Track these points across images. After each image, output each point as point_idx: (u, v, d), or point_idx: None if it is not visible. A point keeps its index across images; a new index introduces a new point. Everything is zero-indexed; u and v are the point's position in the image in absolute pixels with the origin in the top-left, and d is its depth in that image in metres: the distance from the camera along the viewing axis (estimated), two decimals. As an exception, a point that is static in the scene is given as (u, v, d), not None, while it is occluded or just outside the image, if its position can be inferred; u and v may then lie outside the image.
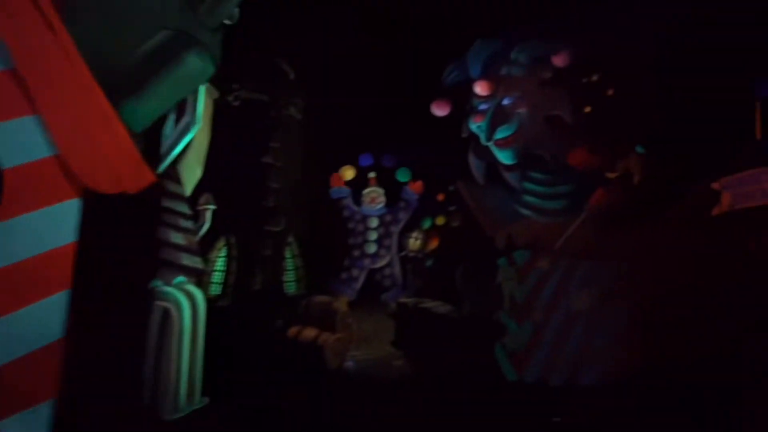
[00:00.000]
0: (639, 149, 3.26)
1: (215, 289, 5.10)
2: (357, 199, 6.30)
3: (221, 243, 5.47)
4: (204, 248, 3.57)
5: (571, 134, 3.76)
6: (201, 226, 3.73)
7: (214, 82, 3.25)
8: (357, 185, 6.26)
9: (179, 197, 3.29)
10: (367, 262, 6.10)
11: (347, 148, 6.54)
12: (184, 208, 3.35)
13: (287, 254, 5.92)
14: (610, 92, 3.76)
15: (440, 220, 5.97)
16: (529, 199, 4.00)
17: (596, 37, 3.41)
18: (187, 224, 3.33)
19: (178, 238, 3.16)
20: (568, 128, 3.77)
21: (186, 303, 3.02)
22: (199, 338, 3.06)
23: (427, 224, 5.97)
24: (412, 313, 4.64)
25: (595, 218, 3.43)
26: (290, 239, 5.92)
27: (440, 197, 6.01)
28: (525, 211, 4.02)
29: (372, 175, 6.29)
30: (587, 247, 3.42)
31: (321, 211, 6.32)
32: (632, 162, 3.29)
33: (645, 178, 3.18)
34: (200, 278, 3.48)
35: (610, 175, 3.36)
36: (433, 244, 5.85)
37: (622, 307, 3.19)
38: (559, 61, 3.57)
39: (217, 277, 5.23)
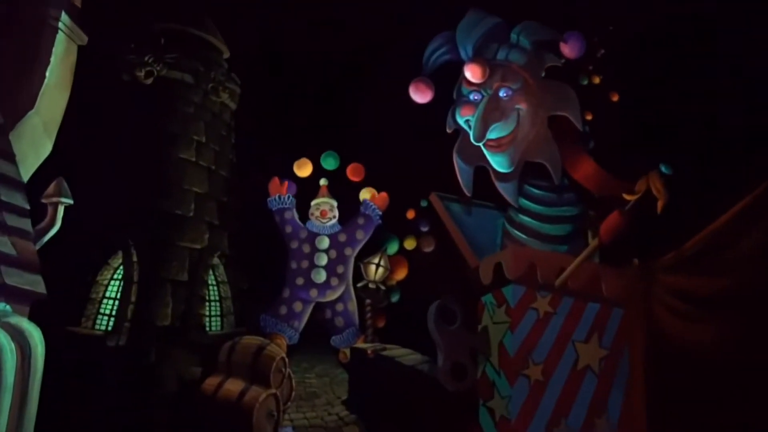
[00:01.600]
0: (664, 168, 3.09)
1: (103, 323, 4.57)
2: (303, 212, 5.90)
3: (116, 260, 4.93)
4: (49, 261, 2.82)
5: (581, 143, 3.66)
6: (46, 229, 2.98)
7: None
8: (304, 194, 5.83)
9: (10, 182, 2.68)
10: (313, 293, 5.56)
11: (294, 147, 6.34)
12: (17, 199, 2.74)
13: (209, 280, 5.68)
14: (615, 98, 3.70)
15: (409, 243, 5.76)
16: (524, 219, 3.75)
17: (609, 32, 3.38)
18: (20, 223, 2.69)
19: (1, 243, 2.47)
20: (577, 135, 3.63)
21: (8, 346, 2.24)
22: (30, 403, 2.34)
23: (392, 248, 5.75)
24: (371, 364, 4.21)
25: (607, 250, 3.23)
26: (213, 260, 5.69)
27: (410, 214, 5.81)
28: (519, 235, 3.80)
29: (323, 182, 5.92)
30: (595, 286, 3.20)
31: (255, 226, 6.13)
32: (655, 182, 3.05)
33: (670, 203, 2.98)
34: (40, 306, 2.70)
35: (628, 197, 3.10)
36: (400, 273, 5.63)
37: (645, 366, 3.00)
38: (568, 50, 3.40)
39: (107, 306, 4.74)
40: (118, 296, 4.78)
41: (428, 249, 5.44)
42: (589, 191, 3.65)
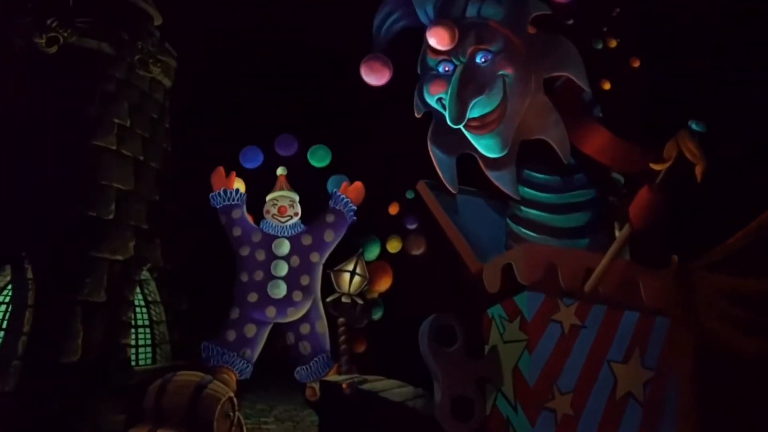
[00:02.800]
0: (694, 125, 2.89)
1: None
2: (257, 209, 5.45)
3: (4, 276, 4.65)
4: None
5: (587, 111, 3.53)
6: None
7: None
8: (256, 187, 5.45)
9: None
10: (271, 312, 5.06)
11: (244, 133, 6.04)
12: None
13: (135, 300, 5.33)
14: (636, 64, 3.72)
15: (393, 245, 5.41)
16: (530, 213, 3.61)
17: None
18: None
19: None
20: (582, 104, 3.49)
21: None
22: None
23: (371, 252, 5.42)
24: (347, 401, 3.96)
25: (641, 240, 3.06)
26: (142, 275, 5.39)
27: (392, 208, 5.48)
28: (526, 233, 3.62)
29: (281, 171, 5.50)
30: (632, 290, 3.01)
31: (197, 231, 5.89)
32: (687, 143, 2.87)
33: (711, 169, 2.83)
34: None
35: (656, 167, 2.92)
36: (382, 283, 5.29)
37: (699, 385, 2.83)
38: None
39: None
40: (4, 326, 4.40)
41: (417, 251, 5.06)
42: (605, 167, 3.51)
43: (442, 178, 3.73)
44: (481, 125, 3.46)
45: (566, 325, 3.10)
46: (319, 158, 5.49)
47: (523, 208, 3.68)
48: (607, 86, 3.60)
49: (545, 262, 3.13)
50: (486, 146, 3.58)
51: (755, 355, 2.68)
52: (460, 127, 3.46)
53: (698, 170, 2.73)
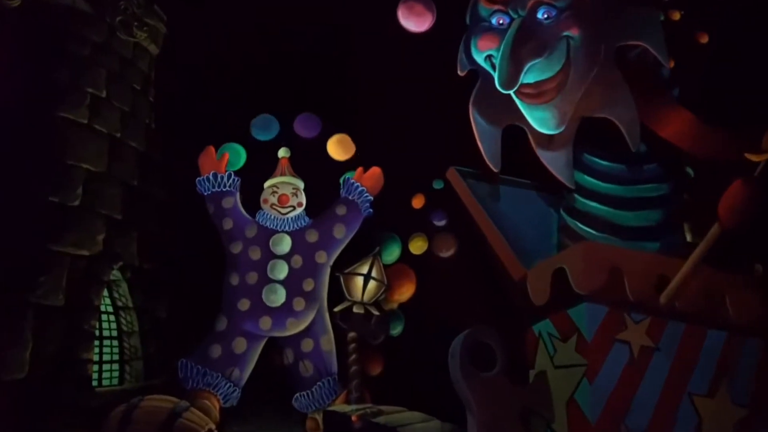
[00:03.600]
0: None
1: None
2: (253, 198, 5.43)
3: None
4: None
5: (665, 90, 3.58)
6: None
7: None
8: (253, 170, 5.44)
9: None
10: (265, 324, 4.99)
11: (242, 109, 5.97)
12: None
13: (102, 304, 5.29)
14: (704, 39, 3.73)
15: (417, 246, 5.38)
16: (590, 205, 3.66)
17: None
18: None
19: None
20: (660, 80, 3.54)
21: None
22: None
23: (391, 253, 5.42)
24: None
25: (728, 244, 2.99)
26: (112, 274, 5.37)
27: (417, 201, 5.43)
28: (584, 229, 3.64)
29: (284, 153, 5.47)
30: (716, 304, 3.00)
31: (182, 223, 5.89)
32: None
33: None
34: None
35: (753, 158, 2.93)
36: (404, 291, 5.27)
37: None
38: None
39: None
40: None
41: (446, 253, 5.03)
42: (680, 159, 3.56)
43: (483, 153, 3.72)
44: (536, 93, 3.48)
45: (635, 346, 3.03)
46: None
47: (580, 198, 3.67)
48: (670, 64, 3.63)
49: (608, 266, 3.06)
50: (540, 119, 3.56)
51: None
52: (511, 92, 3.49)
53: None
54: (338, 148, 5.41)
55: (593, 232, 3.57)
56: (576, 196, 3.68)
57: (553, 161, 3.70)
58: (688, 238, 3.58)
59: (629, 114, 3.43)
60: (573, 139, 3.62)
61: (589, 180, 3.67)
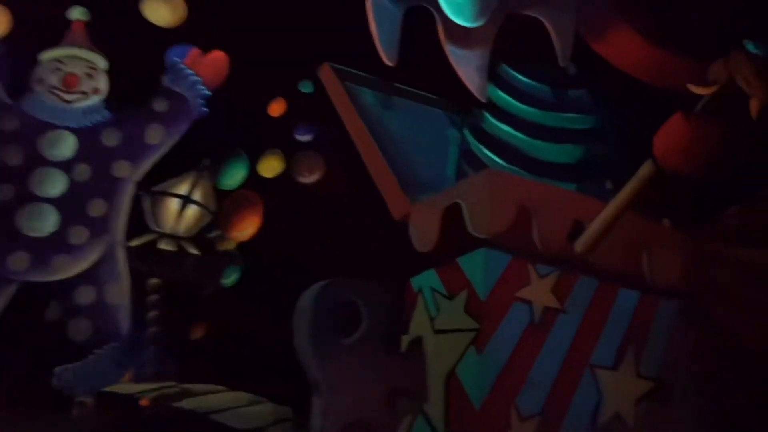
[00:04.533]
0: (752, 46, 3.05)
1: None
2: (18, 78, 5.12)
3: None
4: None
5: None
6: None
7: None
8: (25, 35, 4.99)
9: None
10: (18, 263, 4.58)
11: None
12: None
13: None
14: None
15: (269, 166, 5.28)
16: (499, 129, 3.70)
17: None
18: None
19: None
20: None
21: None
22: None
23: (232, 174, 5.24)
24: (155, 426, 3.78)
25: (667, 186, 3.06)
26: None
27: (275, 107, 5.32)
28: (491, 158, 3.66)
29: (79, 15, 4.89)
30: (635, 260, 3.10)
31: None
32: (741, 67, 3.00)
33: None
34: None
35: (698, 90, 3.04)
36: (244, 227, 5.11)
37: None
38: None
39: None
40: None
41: (309, 178, 4.95)
42: (621, 87, 3.65)
43: (376, 38, 3.51)
44: None
45: (538, 307, 2.95)
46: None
47: (490, 118, 3.67)
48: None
49: (516, 203, 2.97)
50: (455, 5, 3.41)
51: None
52: None
53: (753, 105, 2.82)
54: (160, 7, 4.89)
55: (501, 162, 3.54)
56: (486, 114, 3.68)
57: (465, 62, 3.61)
58: (608, 184, 3.67)
59: (565, 18, 3.43)
60: (492, 41, 3.56)
61: (504, 98, 3.66)
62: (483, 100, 3.69)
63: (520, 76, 3.75)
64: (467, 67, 3.65)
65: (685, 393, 3.09)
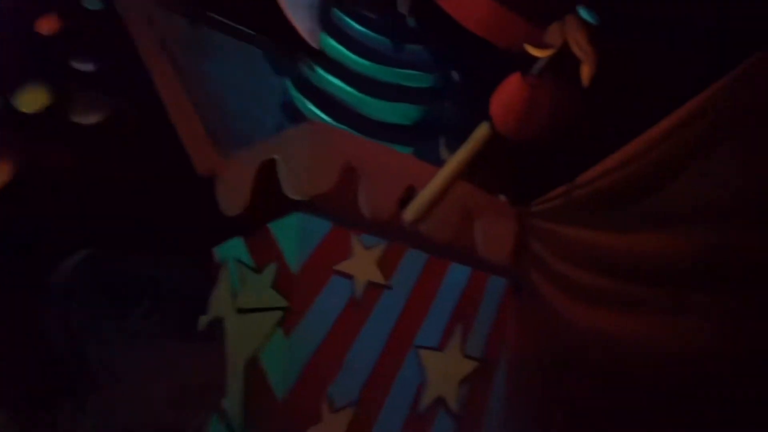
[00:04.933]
0: (584, 13, 3.19)
1: None
2: None
3: None
4: None
5: None
6: None
7: None
8: None
9: None
10: None
11: None
12: None
13: None
14: None
15: (31, 100, 4.43)
16: (328, 81, 3.70)
17: None
18: None
19: None
20: None
21: None
22: None
23: None
24: None
25: (503, 151, 3.20)
26: None
27: (46, 23, 4.49)
28: (315, 110, 3.67)
29: None
30: (468, 234, 3.19)
31: None
32: (574, 33, 3.17)
33: (605, 69, 3.08)
34: None
35: (536, 52, 3.18)
36: None
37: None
38: None
39: None
40: None
41: (88, 119, 4.20)
42: (463, 35, 3.63)
43: None
44: None
45: (360, 282, 2.96)
46: None
47: (318, 69, 3.64)
48: None
49: (342, 161, 2.91)
50: None
51: (590, 330, 2.98)
52: None
53: (585, 71, 2.94)
54: None
55: (328, 119, 3.50)
56: (314, 64, 3.61)
57: (296, 3, 3.60)
58: (443, 155, 3.73)
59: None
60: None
61: (335, 46, 3.61)
62: (315, 46, 3.67)
63: (354, 23, 3.69)
64: (297, 7, 3.65)
65: (509, 372, 3.22)
